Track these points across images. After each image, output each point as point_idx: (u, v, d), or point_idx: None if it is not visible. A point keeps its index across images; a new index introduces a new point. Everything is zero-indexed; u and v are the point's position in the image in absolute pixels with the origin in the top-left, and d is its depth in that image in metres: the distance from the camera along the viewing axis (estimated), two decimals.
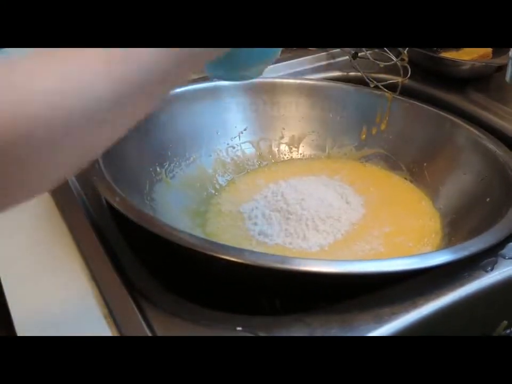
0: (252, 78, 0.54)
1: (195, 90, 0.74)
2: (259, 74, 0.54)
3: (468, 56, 0.83)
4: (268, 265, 0.45)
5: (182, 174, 0.69)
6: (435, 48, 0.84)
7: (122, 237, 0.55)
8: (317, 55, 0.88)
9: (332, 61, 0.88)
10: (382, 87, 0.75)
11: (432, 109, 0.74)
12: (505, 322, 0.53)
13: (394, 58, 0.72)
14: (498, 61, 0.81)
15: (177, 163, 0.70)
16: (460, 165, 0.68)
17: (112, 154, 0.61)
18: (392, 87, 0.75)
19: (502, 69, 0.76)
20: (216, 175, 0.72)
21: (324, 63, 0.87)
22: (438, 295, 0.48)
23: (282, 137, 0.78)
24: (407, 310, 0.47)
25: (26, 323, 0.46)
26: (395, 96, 0.75)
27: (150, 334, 0.44)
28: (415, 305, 0.47)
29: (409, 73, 0.72)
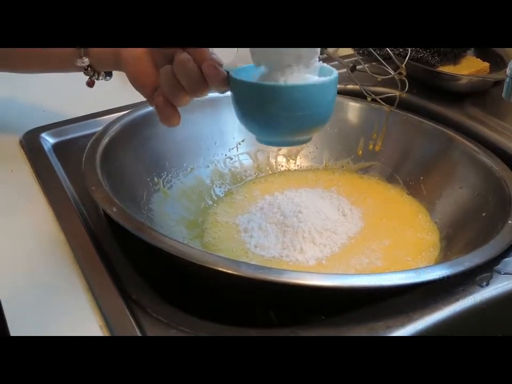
0: (305, 142, 0.56)
1: (193, 101, 0.74)
2: (310, 138, 0.55)
3: (465, 71, 0.84)
4: (265, 279, 0.46)
5: (180, 185, 0.70)
6: (433, 62, 0.85)
7: (120, 247, 0.55)
8: None
9: None
10: (379, 101, 0.75)
11: (429, 122, 0.75)
12: None
13: (392, 72, 0.72)
14: (496, 75, 0.82)
15: (175, 173, 0.70)
16: (456, 179, 0.69)
17: (110, 164, 0.61)
18: (389, 101, 0.75)
19: (499, 83, 0.77)
20: (214, 186, 0.72)
21: None
22: (433, 310, 0.48)
23: (279, 149, 0.78)
24: (402, 324, 0.47)
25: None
26: (393, 109, 0.75)
27: None
28: (410, 319, 0.47)
29: (407, 87, 0.72)
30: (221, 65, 0.52)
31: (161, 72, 0.53)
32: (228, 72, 0.52)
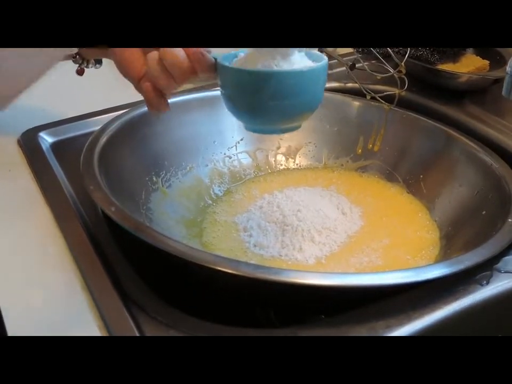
0: (294, 129, 0.55)
1: (192, 100, 0.74)
2: (300, 125, 0.54)
3: (465, 69, 0.83)
4: (264, 278, 0.45)
5: (179, 184, 0.69)
6: (432, 60, 0.84)
7: (118, 246, 0.55)
8: None
9: (329, 71, 0.87)
10: (379, 99, 0.75)
11: (428, 120, 0.74)
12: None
13: (391, 70, 0.72)
14: (495, 73, 0.82)
15: (174, 172, 0.70)
16: (455, 177, 0.68)
17: (108, 164, 0.61)
18: (389, 99, 0.75)
19: (498, 81, 0.76)
20: (213, 185, 0.72)
21: None
22: (432, 309, 0.48)
23: (279, 148, 0.78)
24: (401, 324, 0.47)
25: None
26: (392, 107, 0.75)
27: None
28: (409, 319, 0.47)
29: (406, 85, 0.72)
30: (208, 51, 0.51)
31: (148, 58, 0.52)
32: (215, 59, 0.51)
